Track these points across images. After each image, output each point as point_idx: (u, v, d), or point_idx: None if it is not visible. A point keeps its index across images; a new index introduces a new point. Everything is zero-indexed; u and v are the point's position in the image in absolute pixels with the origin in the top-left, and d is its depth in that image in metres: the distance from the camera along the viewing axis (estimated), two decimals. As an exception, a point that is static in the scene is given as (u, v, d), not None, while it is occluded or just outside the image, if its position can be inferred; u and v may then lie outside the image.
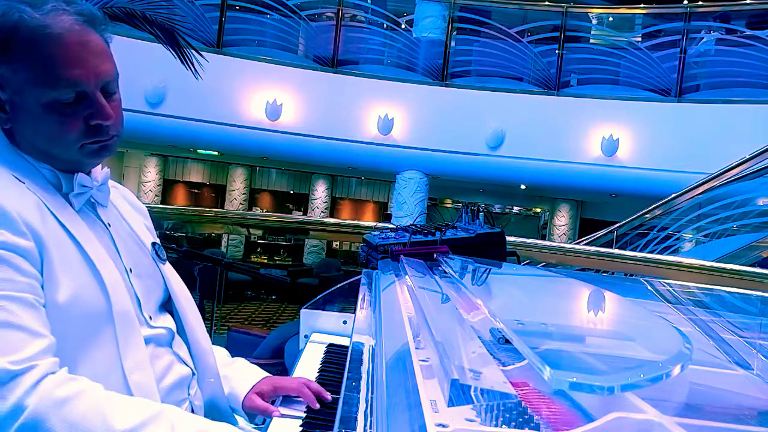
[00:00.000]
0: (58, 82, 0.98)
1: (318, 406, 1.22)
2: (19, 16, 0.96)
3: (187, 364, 1.17)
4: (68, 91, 0.98)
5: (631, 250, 5.79)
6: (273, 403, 1.26)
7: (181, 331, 1.20)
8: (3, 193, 0.96)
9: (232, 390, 1.27)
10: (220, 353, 1.35)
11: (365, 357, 1.25)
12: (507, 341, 0.89)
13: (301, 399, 1.27)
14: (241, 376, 1.29)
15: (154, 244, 1.21)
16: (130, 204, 1.25)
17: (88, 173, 1.10)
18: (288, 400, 1.28)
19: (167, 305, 1.21)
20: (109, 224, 1.12)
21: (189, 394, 1.15)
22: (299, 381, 1.27)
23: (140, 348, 1.04)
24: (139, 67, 7.12)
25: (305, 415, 1.21)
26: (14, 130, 1.04)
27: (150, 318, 1.12)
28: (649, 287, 2.09)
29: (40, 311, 0.92)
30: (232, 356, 1.37)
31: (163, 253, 1.22)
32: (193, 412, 1.15)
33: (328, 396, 1.24)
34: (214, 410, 1.24)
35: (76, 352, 0.97)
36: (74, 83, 0.99)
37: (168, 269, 1.21)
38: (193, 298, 1.28)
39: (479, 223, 2.40)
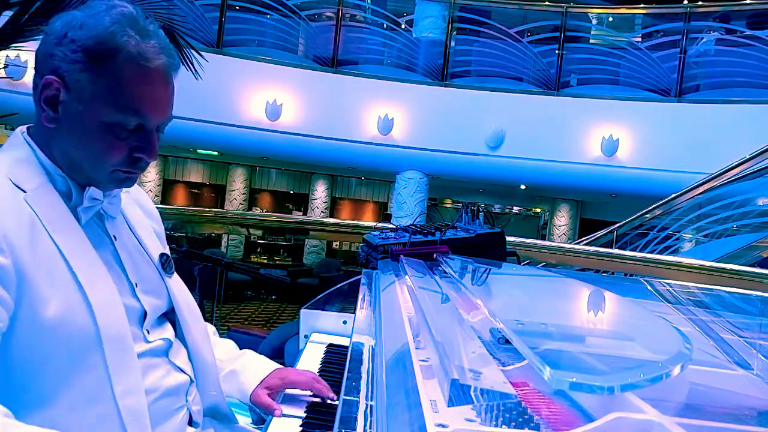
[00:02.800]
0: (129, 109, 1.00)
1: (334, 395, 1.24)
2: (126, 40, 0.99)
3: (184, 372, 1.14)
4: (133, 120, 1.01)
5: (631, 250, 5.79)
6: (279, 397, 1.27)
7: (181, 337, 1.18)
8: None
9: (241, 385, 1.28)
10: (228, 346, 1.35)
11: (365, 357, 1.25)
12: (507, 341, 0.89)
13: (302, 398, 1.28)
14: (250, 370, 1.30)
15: (162, 255, 1.18)
16: (142, 209, 1.22)
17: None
18: (289, 398, 1.28)
19: (168, 314, 1.18)
20: (115, 237, 1.09)
21: (187, 401, 1.14)
22: (308, 376, 1.29)
23: (133, 371, 1.00)
24: (139, 67, 7.09)
25: (305, 415, 1.21)
26: (54, 132, 1.02)
27: (148, 332, 1.09)
28: (649, 287, 2.09)
29: None
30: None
31: (171, 265, 1.19)
32: (191, 417, 1.15)
33: (334, 396, 1.25)
34: (215, 413, 1.24)
35: (63, 374, 0.95)
36: (142, 116, 1.01)
37: (174, 282, 1.19)
38: (193, 298, 1.26)
39: (479, 223, 2.41)
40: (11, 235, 0.92)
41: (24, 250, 0.93)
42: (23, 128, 1.07)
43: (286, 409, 1.23)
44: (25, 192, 0.98)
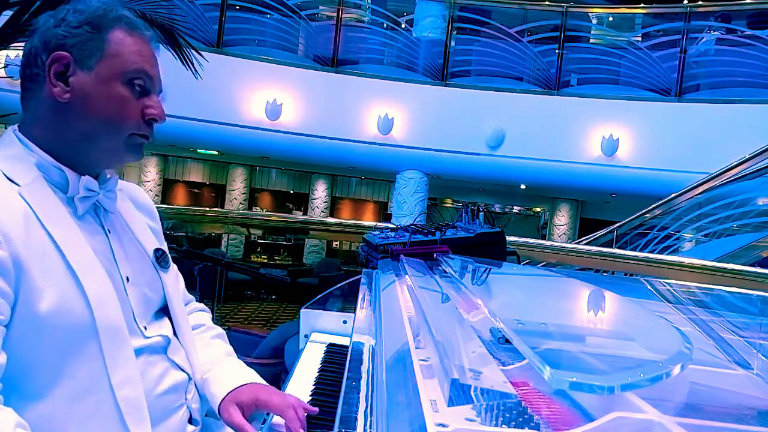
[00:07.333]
0: (134, 65, 1.08)
1: None
2: (120, 14, 1.09)
3: (183, 369, 1.14)
4: (138, 78, 1.08)
5: (631, 250, 5.79)
6: (264, 422, 1.15)
7: (177, 334, 1.18)
8: None
9: (211, 396, 1.16)
10: (216, 349, 1.28)
11: (365, 357, 1.25)
12: (507, 341, 0.89)
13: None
14: (220, 381, 1.16)
15: (156, 250, 1.18)
16: (137, 205, 1.23)
17: (96, 177, 1.09)
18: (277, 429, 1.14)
19: (165, 310, 1.18)
20: (109, 230, 1.10)
21: (186, 399, 1.14)
22: (287, 401, 1.11)
23: (130, 362, 1.01)
24: (139, 66, 7.09)
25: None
26: (64, 109, 1.05)
27: (145, 328, 1.10)
28: (649, 287, 2.09)
29: None
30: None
31: (166, 259, 1.19)
32: (190, 415, 1.15)
33: (315, 409, 1.13)
34: (214, 412, 1.24)
35: (58, 364, 0.95)
36: (148, 75, 1.09)
37: (169, 277, 1.19)
38: (194, 297, 1.27)
39: (479, 222, 2.40)
40: (6, 228, 0.93)
41: (19, 242, 0.94)
42: (14, 127, 1.08)
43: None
44: (19, 186, 1.00)
